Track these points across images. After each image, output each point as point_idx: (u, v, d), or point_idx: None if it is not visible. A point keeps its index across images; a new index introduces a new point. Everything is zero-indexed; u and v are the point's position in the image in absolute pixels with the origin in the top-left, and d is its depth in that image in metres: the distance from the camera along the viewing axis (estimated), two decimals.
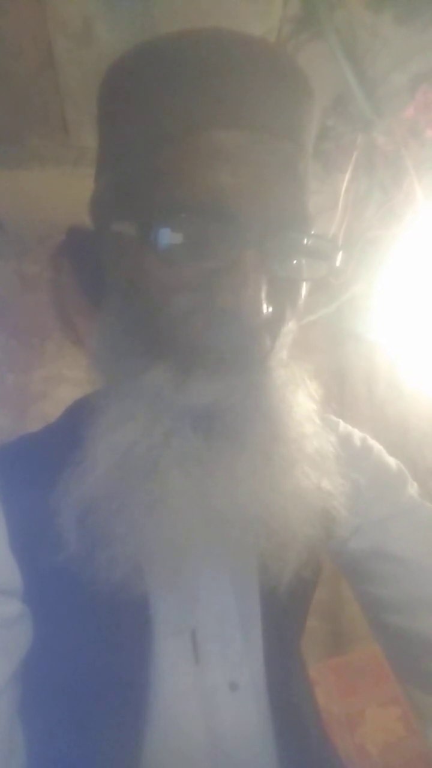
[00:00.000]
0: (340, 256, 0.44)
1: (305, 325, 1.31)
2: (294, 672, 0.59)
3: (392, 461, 0.63)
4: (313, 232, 0.43)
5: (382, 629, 0.58)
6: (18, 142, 1.18)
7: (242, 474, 0.43)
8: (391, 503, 0.59)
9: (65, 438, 0.44)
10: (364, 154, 1.11)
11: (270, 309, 0.40)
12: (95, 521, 0.42)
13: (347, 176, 1.12)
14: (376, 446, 0.64)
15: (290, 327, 0.46)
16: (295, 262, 0.43)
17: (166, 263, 0.40)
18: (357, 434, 0.64)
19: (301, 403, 0.48)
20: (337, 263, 0.45)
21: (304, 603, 0.59)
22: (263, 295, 0.39)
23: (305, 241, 0.43)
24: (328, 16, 0.84)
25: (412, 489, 0.61)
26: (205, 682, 0.50)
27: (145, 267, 0.41)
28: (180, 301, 0.41)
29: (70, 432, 0.45)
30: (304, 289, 0.45)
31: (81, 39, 0.89)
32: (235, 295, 0.38)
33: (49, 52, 0.93)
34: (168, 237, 0.39)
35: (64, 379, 1.65)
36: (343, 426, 0.64)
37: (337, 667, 1.45)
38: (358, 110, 1.03)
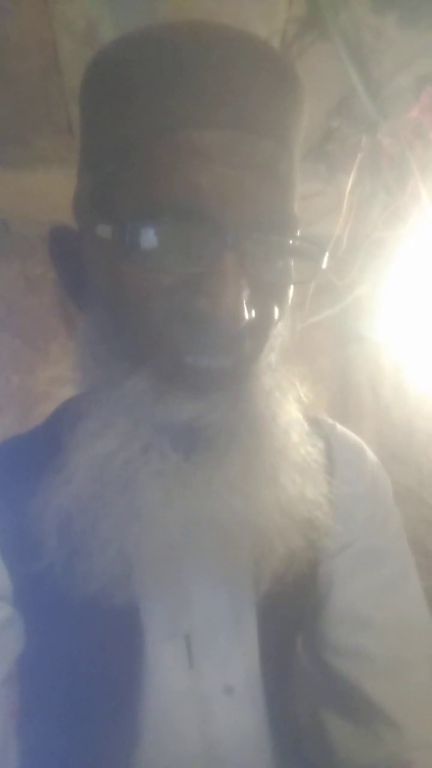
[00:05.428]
0: (326, 258, 0.43)
1: (309, 326, 1.31)
2: (291, 676, 0.59)
3: (382, 479, 0.61)
4: (298, 234, 0.41)
5: (315, 658, 0.57)
6: (23, 143, 1.19)
7: (223, 486, 0.42)
8: (383, 539, 0.58)
9: (50, 442, 0.44)
10: (368, 155, 1.10)
11: (253, 313, 0.38)
12: (75, 529, 0.41)
13: (352, 178, 1.12)
14: (371, 458, 0.62)
15: (278, 330, 0.45)
16: (280, 264, 0.41)
17: (143, 267, 0.38)
18: (352, 442, 0.62)
19: (287, 409, 0.46)
20: (324, 265, 0.43)
21: (299, 607, 0.58)
22: (244, 299, 0.37)
23: (289, 242, 0.41)
24: (333, 18, 0.84)
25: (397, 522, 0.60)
26: (200, 686, 0.50)
27: (122, 271, 0.39)
28: (157, 307, 0.39)
29: (55, 436, 0.44)
30: (291, 292, 0.44)
31: (86, 41, 0.89)
32: (213, 300, 0.36)
33: (54, 54, 0.93)
34: (143, 240, 0.37)
35: (68, 381, 1.64)
36: (339, 430, 0.62)
37: None
38: (363, 112, 1.02)
